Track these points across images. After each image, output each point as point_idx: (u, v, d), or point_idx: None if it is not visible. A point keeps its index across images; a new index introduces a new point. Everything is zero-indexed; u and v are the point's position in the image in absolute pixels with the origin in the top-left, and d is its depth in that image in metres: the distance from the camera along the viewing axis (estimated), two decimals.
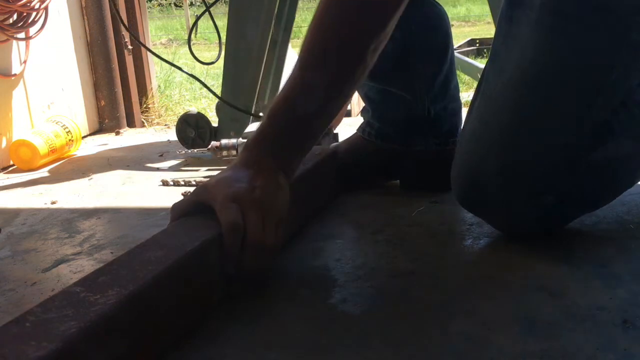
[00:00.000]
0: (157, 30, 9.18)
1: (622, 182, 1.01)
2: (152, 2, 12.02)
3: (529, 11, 0.94)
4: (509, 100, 0.96)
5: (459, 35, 5.82)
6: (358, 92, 1.34)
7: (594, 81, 0.92)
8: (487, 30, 6.97)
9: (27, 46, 1.91)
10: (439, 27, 1.27)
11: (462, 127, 1.03)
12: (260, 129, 0.91)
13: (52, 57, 2.06)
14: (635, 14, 0.90)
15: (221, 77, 1.80)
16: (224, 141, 1.67)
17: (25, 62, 1.90)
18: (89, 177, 1.66)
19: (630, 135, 0.97)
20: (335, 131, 1.59)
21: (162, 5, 12.65)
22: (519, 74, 0.95)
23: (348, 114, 2.36)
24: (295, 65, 0.91)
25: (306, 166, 1.09)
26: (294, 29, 1.96)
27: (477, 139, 0.99)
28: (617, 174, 0.99)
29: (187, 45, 1.82)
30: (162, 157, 1.84)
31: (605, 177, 0.98)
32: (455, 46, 4.62)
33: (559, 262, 0.90)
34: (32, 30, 1.89)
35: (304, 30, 1.10)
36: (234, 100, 1.77)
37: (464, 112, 1.13)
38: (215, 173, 1.58)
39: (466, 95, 2.77)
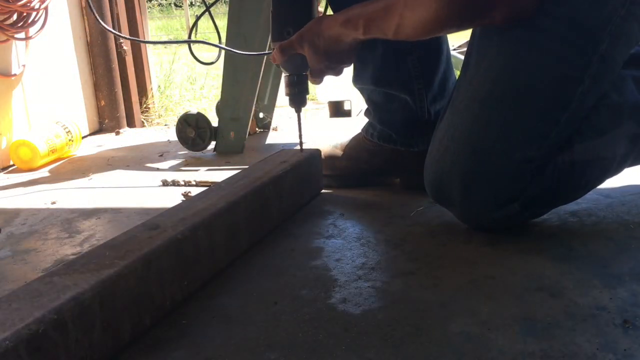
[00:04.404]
0: (157, 30, 9.16)
1: (591, 182, 1.04)
2: (152, 2, 12.02)
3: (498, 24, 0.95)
4: (476, 113, 0.98)
5: (460, 35, 5.81)
6: (362, 95, 1.35)
7: (562, 96, 0.94)
8: None
9: (27, 46, 1.91)
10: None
11: (434, 130, 1.06)
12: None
13: (52, 57, 2.06)
14: (604, 27, 0.91)
15: (221, 77, 1.80)
16: None
17: (25, 62, 1.90)
18: (89, 177, 1.66)
19: (598, 134, 0.99)
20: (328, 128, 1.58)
21: (162, 5, 12.64)
22: (487, 87, 0.96)
23: (348, 114, 2.36)
24: None
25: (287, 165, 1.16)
26: None
27: (444, 147, 1.01)
28: (585, 174, 1.01)
29: (187, 45, 1.82)
30: (162, 157, 1.84)
31: (573, 178, 1.00)
32: (455, 46, 4.63)
33: (559, 262, 0.91)
34: (32, 30, 1.89)
35: None
36: (235, 101, 1.77)
37: None
38: (214, 173, 1.59)
39: None
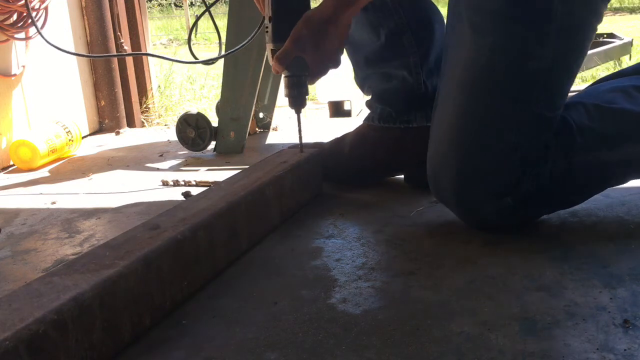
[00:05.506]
0: (157, 30, 9.16)
1: (590, 188, 1.03)
2: (152, 2, 12.03)
3: (460, 8, 0.97)
4: (457, 103, 0.99)
5: None
6: (365, 90, 1.37)
7: (526, 75, 0.94)
8: None
9: (27, 46, 1.91)
10: (428, 7, 1.30)
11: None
12: None
13: (52, 57, 2.06)
14: (551, 2, 0.91)
15: (221, 77, 1.80)
16: None
17: (25, 62, 1.90)
18: (89, 177, 1.66)
19: (600, 139, 0.98)
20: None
21: (162, 5, 12.64)
22: (463, 76, 0.98)
23: (348, 114, 2.36)
24: None
25: (288, 164, 1.17)
26: None
27: (438, 140, 1.02)
28: (583, 178, 1.00)
29: (187, 45, 1.82)
30: (162, 157, 1.84)
31: (571, 180, 0.99)
32: None
33: (560, 262, 0.91)
34: (32, 30, 1.89)
35: None
36: (235, 101, 1.77)
37: None
38: (215, 173, 1.59)
39: None
